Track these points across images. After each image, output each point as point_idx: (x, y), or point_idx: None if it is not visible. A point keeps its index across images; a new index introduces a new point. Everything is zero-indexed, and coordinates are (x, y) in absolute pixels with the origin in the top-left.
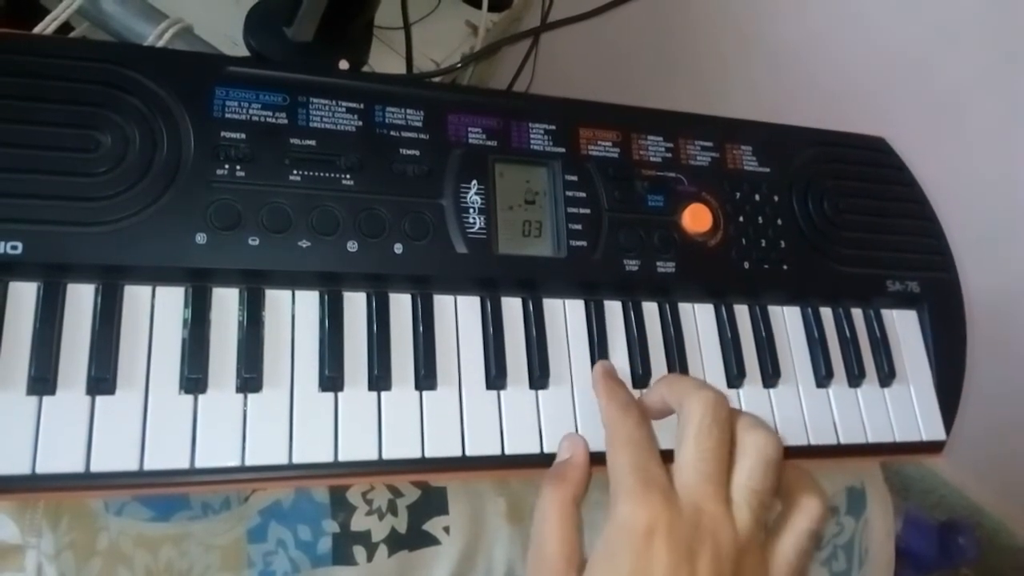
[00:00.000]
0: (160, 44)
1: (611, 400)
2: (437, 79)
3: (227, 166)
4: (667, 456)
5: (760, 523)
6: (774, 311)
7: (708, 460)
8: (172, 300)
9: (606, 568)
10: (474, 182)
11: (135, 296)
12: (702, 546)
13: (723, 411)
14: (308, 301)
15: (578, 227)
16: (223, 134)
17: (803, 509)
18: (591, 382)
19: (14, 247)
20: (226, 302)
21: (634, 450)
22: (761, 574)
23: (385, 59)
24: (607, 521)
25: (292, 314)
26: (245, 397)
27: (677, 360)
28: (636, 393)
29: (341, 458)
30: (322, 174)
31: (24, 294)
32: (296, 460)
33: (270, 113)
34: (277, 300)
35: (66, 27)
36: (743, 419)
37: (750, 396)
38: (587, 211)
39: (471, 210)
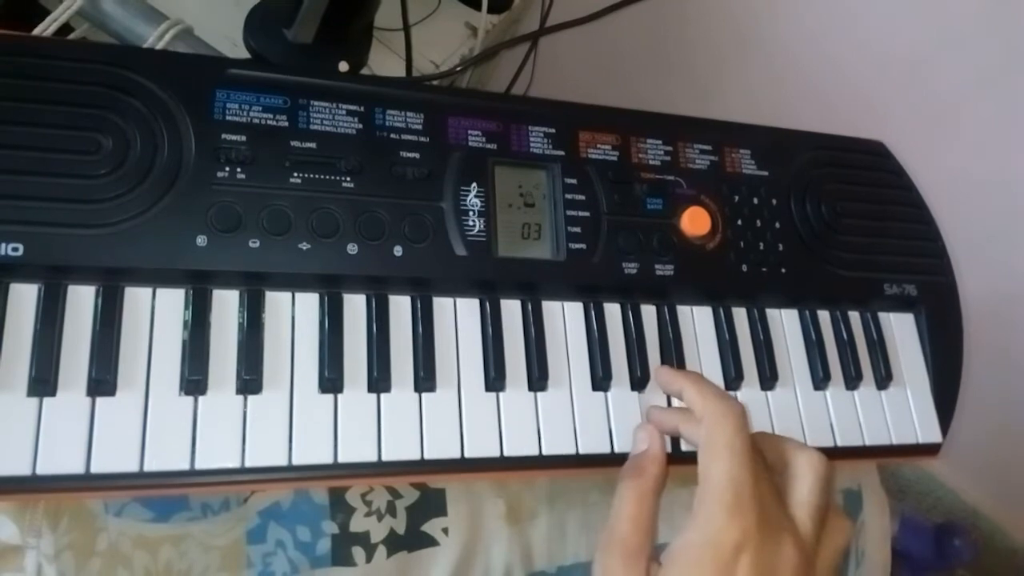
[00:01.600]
0: (160, 45)
1: (705, 391)
2: (436, 82)
3: (228, 168)
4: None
5: (819, 538)
6: (772, 314)
7: (763, 480)
8: (173, 302)
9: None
10: (474, 185)
11: (136, 298)
12: (784, 568)
13: (746, 423)
14: (308, 303)
15: (577, 230)
16: (224, 136)
17: (838, 528)
18: (660, 382)
19: (15, 249)
20: (226, 304)
21: (734, 460)
22: None
23: (385, 61)
24: (690, 527)
25: (292, 316)
26: (245, 399)
27: (675, 363)
28: (633, 396)
29: (340, 460)
30: (322, 176)
31: (25, 296)
32: (296, 462)
33: (271, 115)
34: (277, 302)
35: (66, 28)
36: (781, 442)
37: (748, 399)
38: (586, 214)
39: (471, 213)
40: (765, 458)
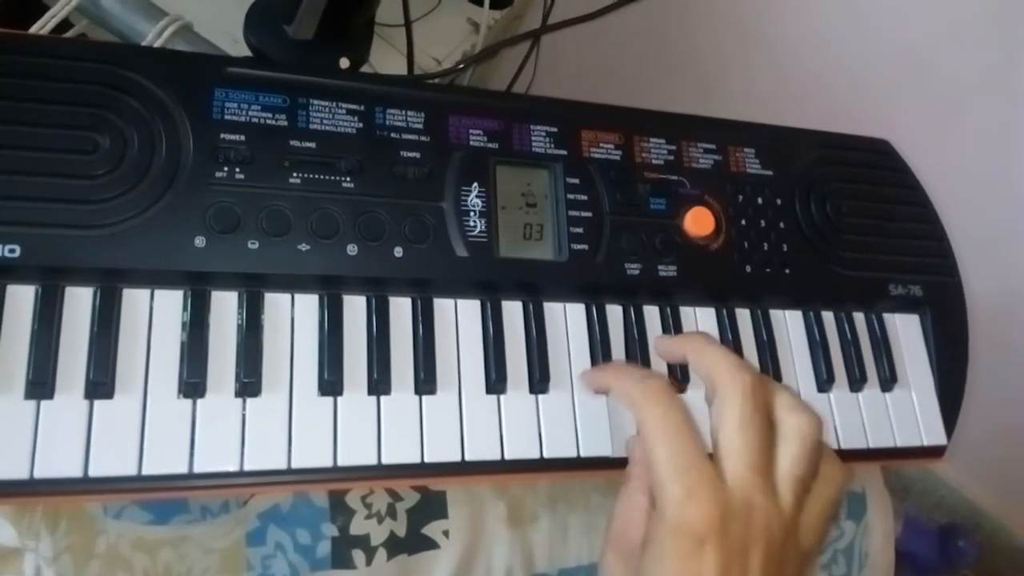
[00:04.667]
0: (160, 42)
1: (622, 378)
2: (437, 79)
3: (226, 168)
4: None
5: (801, 506)
6: (776, 315)
7: (754, 449)
8: (171, 304)
9: (656, 569)
10: (475, 184)
11: (134, 300)
12: (755, 544)
13: (760, 396)
14: (308, 304)
15: (579, 230)
16: (222, 136)
17: (827, 479)
18: (586, 386)
19: (12, 250)
20: (225, 305)
21: (673, 440)
22: (801, 554)
23: (386, 57)
24: (653, 519)
25: (291, 318)
26: (244, 401)
27: (678, 364)
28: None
29: (340, 463)
30: (322, 177)
31: (22, 297)
32: (295, 464)
33: (270, 115)
34: (276, 303)
35: (65, 24)
36: (782, 398)
37: None
38: (588, 214)
39: (472, 213)
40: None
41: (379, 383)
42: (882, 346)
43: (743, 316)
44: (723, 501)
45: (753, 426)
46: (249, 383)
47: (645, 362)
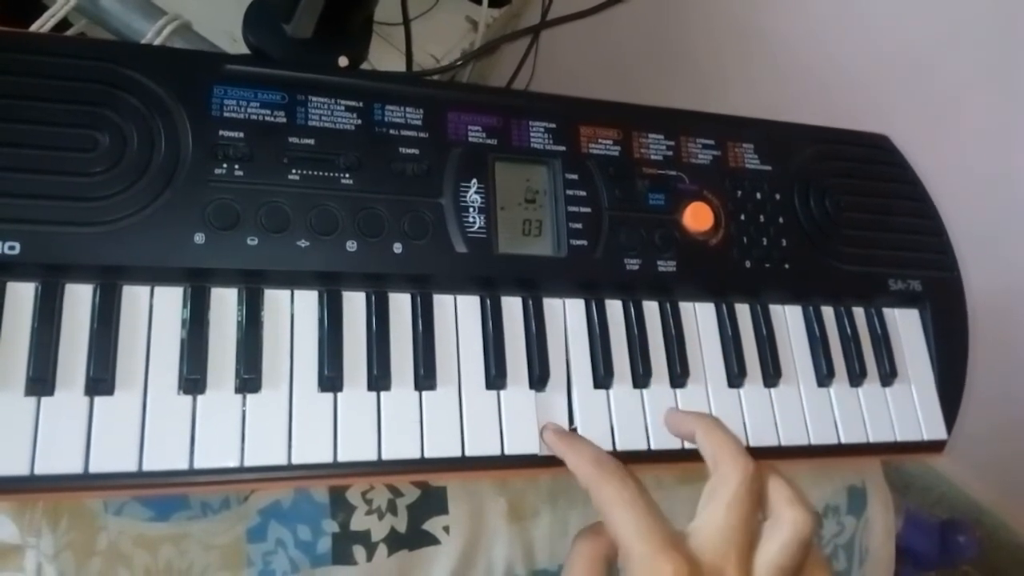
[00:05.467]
0: (158, 40)
1: (580, 453)
2: (436, 77)
3: (225, 165)
4: None
5: None
6: (775, 310)
7: (737, 528)
8: (170, 300)
9: None
10: (474, 181)
11: (133, 296)
12: None
13: (758, 484)
14: (307, 301)
15: (578, 226)
16: (221, 133)
17: (787, 521)
18: (541, 444)
19: (12, 247)
20: (225, 302)
21: (635, 511)
22: None
23: (384, 55)
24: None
25: (291, 314)
26: (244, 397)
27: (678, 359)
28: (636, 393)
29: (340, 458)
30: (321, 173)
31: (22, 294)
32: (295, 460)
33: (269, 112)
34: (276, 300)
35: (64, 23)
36: (782, 490)
37: (751, 396)
38: (588, 210)
39: (471, 209)
40: (763, 498)
41: (379, 379)
42: (882, 341)
43: (742, 311)
44: (691, 565)
45: (742, 508)
46: (249, 379)
47: (645, 357)
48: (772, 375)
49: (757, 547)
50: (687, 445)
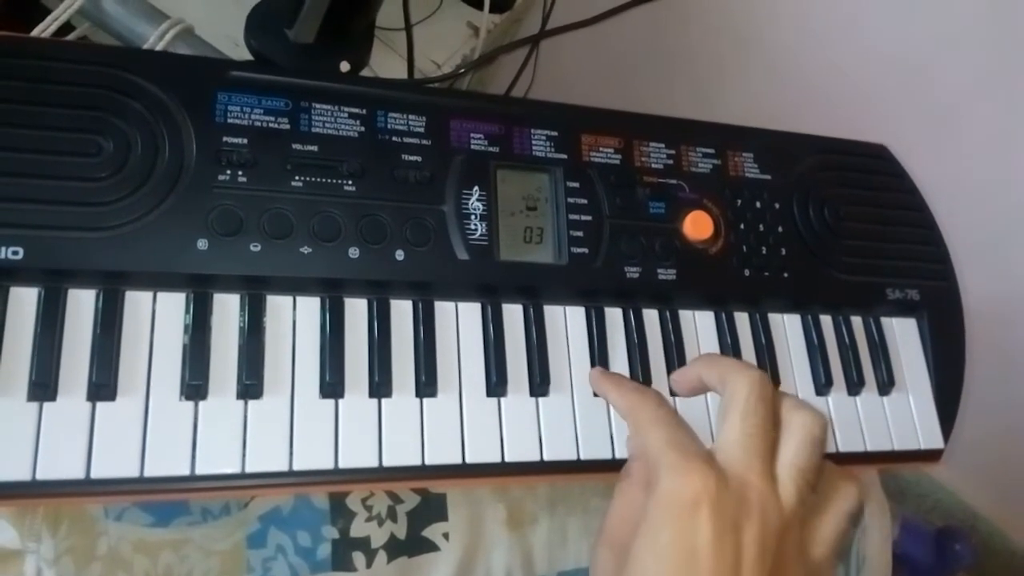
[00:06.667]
0: (161, 45)
1: (621, 387)
2: (437, 84)
3: (229, 171)
4: None
5: (803, 501)
6: (774, 319)
7: (755, 436)
8: (173, 306)
9: (649, 543)
10: (476, 188)
11: (136, 302)
12: (748, 520)
13: (768, 389)
14: (309, 307)
15: (579, 234)
16: (225, 139)
17: (842, 493)
18: (592, 387)
19: (15, 252)
20: (227, 308)
21: (665, 426)
22: (802, 551)
23: (386, 60)
24: (648, 501)
25: (293, 320)
26: (246, 403)
27: (678, 367)
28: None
29: (341, 465)
30: (324, 180)
31: (25, 300)
32: (296, 467)
33: (272, 118)
34: (278, 306)
35: (67, 27)
36: (787, 398)
37: None
38: (588, 218)
39: (473, 216)
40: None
41: (380, 385)
42: (880, 350)
43: (742, 320)
44: (718, 474)
45: (757, 415)
46: (251, 385)
47: (645, 365)
48: None
49: (776, 455)
50: None
